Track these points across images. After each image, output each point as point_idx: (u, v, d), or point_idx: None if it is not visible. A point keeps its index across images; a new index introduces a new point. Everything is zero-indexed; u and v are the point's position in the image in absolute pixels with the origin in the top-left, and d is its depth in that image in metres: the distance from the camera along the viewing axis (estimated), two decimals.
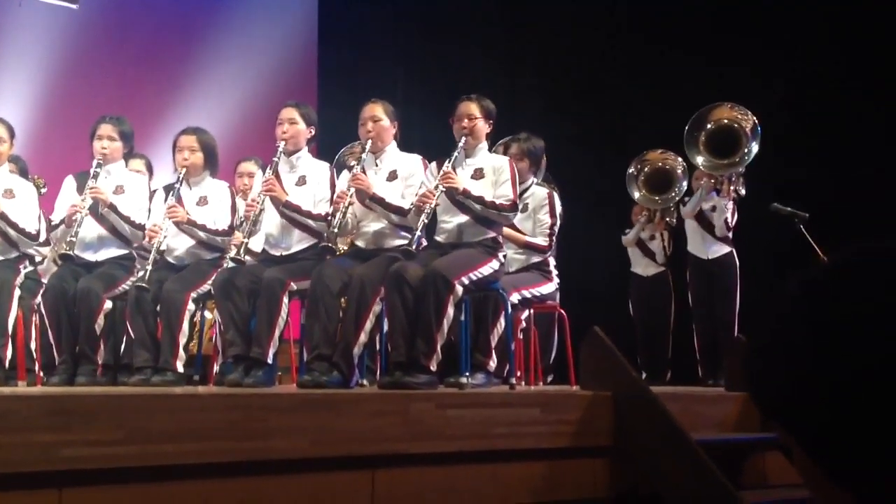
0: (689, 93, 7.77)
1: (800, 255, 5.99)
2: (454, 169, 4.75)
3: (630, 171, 7.52)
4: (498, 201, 4.70)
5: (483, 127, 4.94)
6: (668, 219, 7.88)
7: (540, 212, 5.51)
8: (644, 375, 7.17)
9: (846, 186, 6.96)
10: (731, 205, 7.09)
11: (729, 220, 7.08)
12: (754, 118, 6.82)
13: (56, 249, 5.51)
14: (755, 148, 6.79)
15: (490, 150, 5.14)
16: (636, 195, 7.56)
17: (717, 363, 6.84)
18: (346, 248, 5.69)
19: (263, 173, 5.21)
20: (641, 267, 7.99)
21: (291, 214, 4.97)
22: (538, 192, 5.58)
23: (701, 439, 3.80)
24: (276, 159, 5.03)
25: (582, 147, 8.51)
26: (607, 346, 4.07)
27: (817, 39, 7.47)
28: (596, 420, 3.88)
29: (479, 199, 4.68)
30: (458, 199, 4.71)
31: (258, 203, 4.94)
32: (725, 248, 7.15)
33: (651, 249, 7.95)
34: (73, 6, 8.94)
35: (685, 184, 7.40)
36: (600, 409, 3.90)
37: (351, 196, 4.75)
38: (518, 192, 4.90)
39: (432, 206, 4.59)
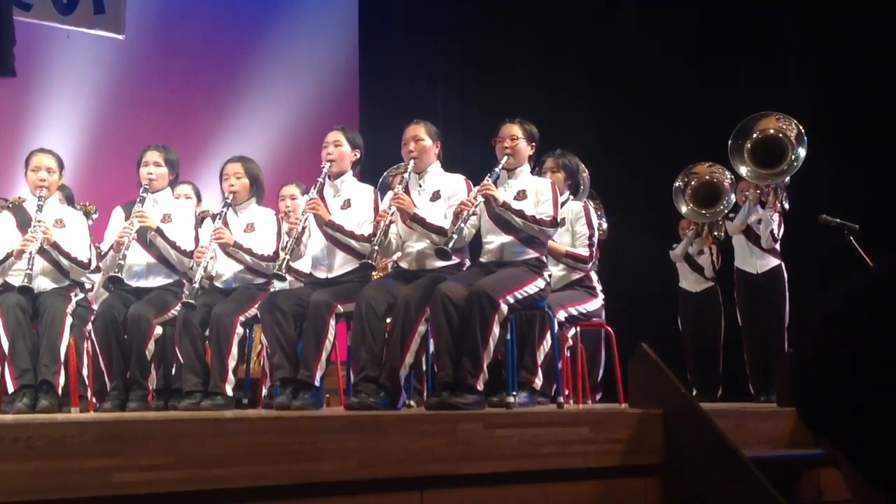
0: (734, 103, 7.72)
1: (850, 267, 5.89)
2: (495, 186, 4.76)
3: (677, 184, 7.47)
4: (539, 216, 4.69)
5: (525, 148, 4.94)
6: (716, 233, 7.81)
7: (577, 224, 5.49)
8: (694, 392, 7.10)
9: None
10: (776, 216, 7.01)
11: (775, 231, 6.99)
12: (798, 126, 6.75)
13: (105, 275, 5.60)
14: (802, 153, 6.71)
15: (532, 173, 5.14)
16: (683, 209, 7.50)
17: (769, 378, 6.75)
18: (383, 270, 5.70)
19: (307, 195, 5.25)
20: (690, 282, 7.92)
21: (334, 234, 4.99)
22: (574, 206, 5.58)
23: (754, 456, 3.74)
24: (320, 179, 5.06)
25: (626, 162, 8.47)
26: (656, 363, 4.03)
27: (865, 46, 7.38)
28: (646, 438, 3.84)
29: (520, 213, 4.68)
30: (498, 211, 4.70)
31: (301, 221, 4.97)
32: (774, 262, 7.06)
33: (699, 264, 7.88)
34: (120, 37, 9.11)
35: (733, 197, 7.33)
36: (650, 427, 3.86)
37: (392, 214, 4.76)
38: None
39: (470, 212, 4.59)
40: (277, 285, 5.49)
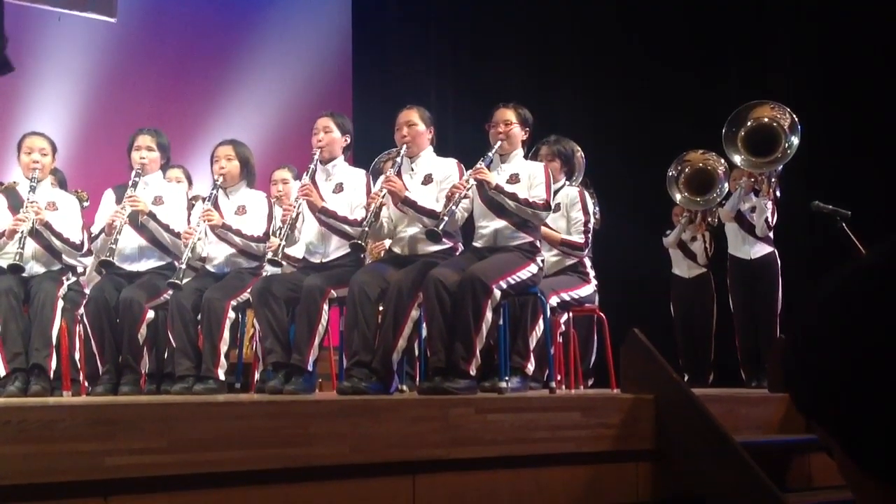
0: (726, 92, 7.72)
1: (842, 254, 5.91)
2: (488, 169, 4.76)
3: (670, 173, 7.46)
4: (531, 199, 4.69)
5: (519, 133, 4.93)
6: (709, 219, 7.81)
7: (572, 210, 5.50)
8: (686, 378, 7.12)
9: (889, 182, 6.87)
10: (770, 204, 7.02)
11: (769, 219, 7.01)
12: (792, 114, 6.75)
13: (97, 258, 5.59)
14: (795, 141, 6.71)
15: (526, 158, 5.13)
16: (677, 197, 7.50)
17: (760, 364, 6.77)
18: (376, 256, 5.70)
19: (299, 180, 5.25)
20: (683, 268, 7.93)
21: (328, 220, 4.99)
22: (569, 191, 5.58)
23: (744, 441, 3.76)
24: (312, 166, 5.06)
25: (619, 148, 8.47)
26: (648, 349, 4.04)
27: (856, 33, 7.38)
28: (638, 423, 3.85)
29: (513, 196, 4.67)
30: (491, 194, 4.70)
31: (295, 207, 4.97)
32: (767, 248, 7.07)
33: (692, 251, 7.89)
34: (112, 20, 9.06)
35: (726, 184, 7.33)
36: (642, 413, 3.87)
37: (383, 197, 4.76)
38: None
39: (461, 195, 4.59)
40: (270, 270, 5.48)
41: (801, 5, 7.90)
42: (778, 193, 7.08)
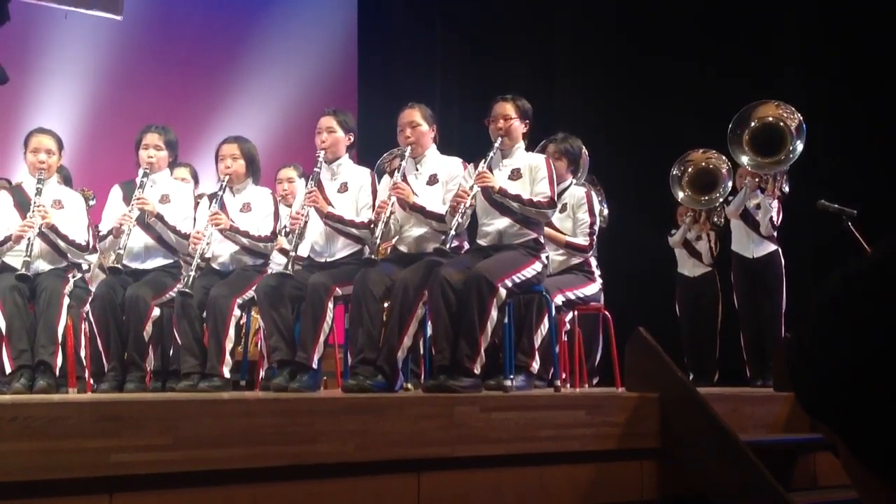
0: (732, 90, 7.70)
1: (848, 253, 5.89)
2: (490, 170, 4.73)
3: (673, 172, 7.46)
4: (535, 198, 4.68)
5: (519, 127, 4.89)
6: (714, 219, 7.81)
7: (579, 211, 5.47)
8: (691, 376, 7.11)
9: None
10: (776, 203, 7.02)
11: (774, 218, 7.00)
12: (800, 116, 6.73)
13: (103, 259, 5.59)
14: (800, 146, 6.70)
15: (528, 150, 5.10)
16: (680, 196, 7.49)
17: (765, 363, 6.77)
18: (382, 253, 5.70)
19: (305, 181, 5.25)
20: (688, 267, 7.92)
21: (335, 225, 4.99)
22: (576, 192, 5.55)
23: (749, 440, 3.75)
24: (317, 169, 5.05)
25: (625, 147, 8.46)
26: (653, 347, 4.03)
27: (862, 31, 7.36)
28: (642, 422, 3.85)
29: (517, 198, 4.66)
30: (496, 198, 4.69)
31: (303, 215, 4.96)
32: (771, 247, 7.07)
33: (698, 250, 7.88)
34: (118, 17, 9.08)
35: (730, 183, 7.32)
36: (646, 411, 3.87)
37: (392, 205, 4.75)
38: (556, 191, 4.85)
39: (466, 205, 4.58)
40: (275, 268, 5.49)
41: (810, 2, 7.87)
42: (787, 188, 7.06)
